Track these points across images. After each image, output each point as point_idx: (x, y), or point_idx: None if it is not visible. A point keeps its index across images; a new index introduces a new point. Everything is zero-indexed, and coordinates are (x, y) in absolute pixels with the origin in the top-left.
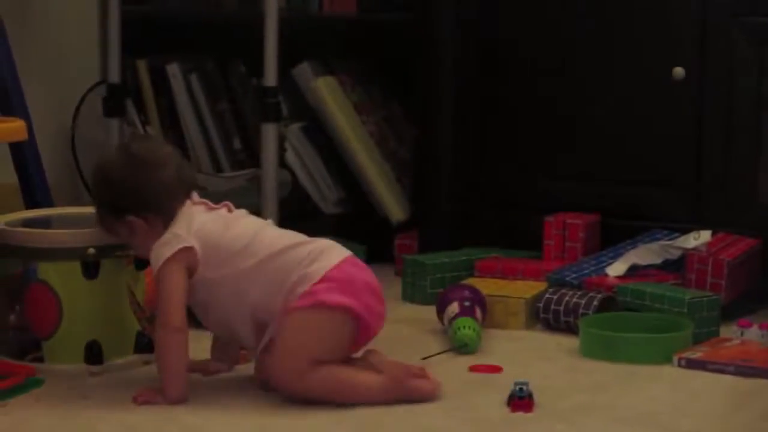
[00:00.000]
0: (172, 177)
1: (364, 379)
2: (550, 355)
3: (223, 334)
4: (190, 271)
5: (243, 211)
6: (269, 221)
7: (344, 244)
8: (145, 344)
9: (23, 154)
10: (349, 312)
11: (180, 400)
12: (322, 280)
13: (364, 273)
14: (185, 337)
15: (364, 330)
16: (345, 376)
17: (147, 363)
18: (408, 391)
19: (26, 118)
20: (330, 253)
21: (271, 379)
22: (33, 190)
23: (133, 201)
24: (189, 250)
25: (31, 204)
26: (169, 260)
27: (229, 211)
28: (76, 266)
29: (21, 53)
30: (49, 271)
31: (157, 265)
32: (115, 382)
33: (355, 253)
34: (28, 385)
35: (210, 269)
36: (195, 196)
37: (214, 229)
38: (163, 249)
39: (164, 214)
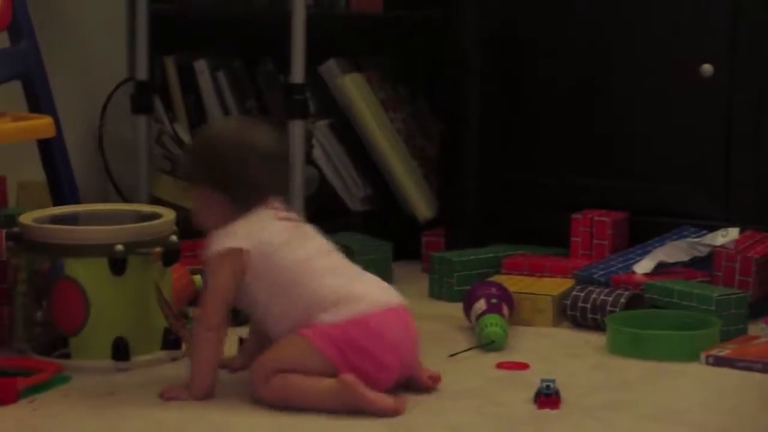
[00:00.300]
0: (276, 178)
1: (314, 383)
2: (578, 352)
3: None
4: (241, 273)
5: (310, 230)
6: (331, 247)
7: (371, 242)
8: (172, 341)
9: (51, 151)
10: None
11: (205, 397)
12: (327, 327)
13: (384, 331)
14: (219, 336)
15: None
16: (296, 380)
17: (174, 360)
18: (361, 400)
19: (54, 115)
20: (360, 303)
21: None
22: (61, 187)
23: (225, 178)
24: (240, 251)
25: (58, 201)
26: (220, 255)
27: (296, 227)
28: (103, 263)
29: (48, 50)
30: (76, 268)
31: (209, 255)
32: (142, 379)
33: (382, 250)
34: (55, 381)
35: (255, 277)
36: (275, 202)
37: (273, 238)
38: (218, 241)
39: (243, 207)
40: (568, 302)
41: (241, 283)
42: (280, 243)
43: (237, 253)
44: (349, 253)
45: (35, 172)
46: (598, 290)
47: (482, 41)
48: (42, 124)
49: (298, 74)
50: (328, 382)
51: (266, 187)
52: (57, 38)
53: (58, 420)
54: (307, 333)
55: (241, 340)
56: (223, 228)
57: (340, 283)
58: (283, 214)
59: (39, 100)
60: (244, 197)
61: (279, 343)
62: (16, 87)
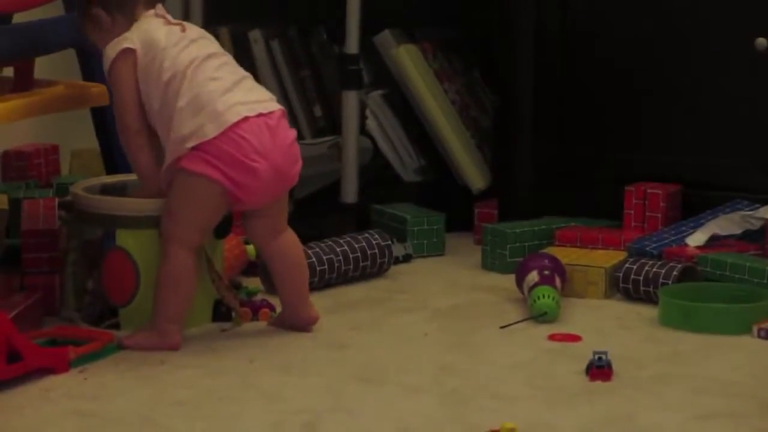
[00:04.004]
0: None
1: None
2: (629, 324)
3: None
4: (135, 72)
5: (198, 33)
6: (216, 50)
7: (424, 213)
8: (222, 313)
9: (104, 120)
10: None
11: (157, 193)
12: (198, 149)
13: (254, 139)
14: (143, 137)
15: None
16: (183, 282)
17: (224, 331)
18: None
19: (107, 83)
20: (226, 114)
21: None
22: (113, 156)
23: None
24: (131, 52)
25: (111, 169)
26: (114, 60)
27: (183, 30)
28: (154, 234)
29: None
30: (127, 239)
31: (106, 66)
32: (192, 350)
33: (434, 220)
34: (105, 351)
35: (144, 77)
36: (159, 7)
37: (162, 39)
38: (111, 48)
39: (127, 11)
40: (621, 274)
41: None
42: (168, 44)
43: (128, 53)
44: (401, 222)
45: (88, 141)
46: (650, 263)
47: (537, 13)
48: (95, 93)
49: (352, 44)
50: (173, 317)
51: None
52: None
53: (109, 389)
54: (184, 164)
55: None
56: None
57: (218, 90)
58: (171, 20)
59: (93, 69)
60: (125, 4)
61: (171, 186)
62: (70, 55)
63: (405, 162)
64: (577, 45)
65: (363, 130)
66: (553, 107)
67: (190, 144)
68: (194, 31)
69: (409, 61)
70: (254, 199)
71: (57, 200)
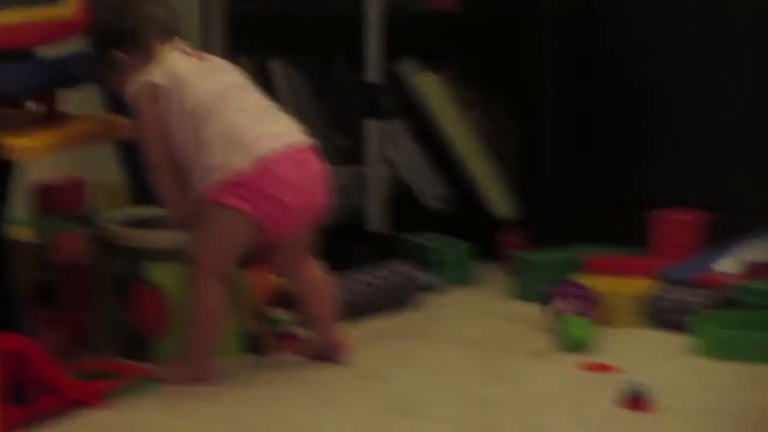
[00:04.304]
0: (156, 13)
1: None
2: (662, 353)
3: None
4: (158, 106)
5: (220, 63)
6: (240, 81)
7: (451, 242)
8: (252, 343)
9: (129, 153)
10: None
11: (183, 224)
12: (233, 181)
13: (284, 173)
14: (165, 171)
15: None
16: (212, 314)
17: (254, 362)
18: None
19: (131, 116)
20: (255, 147)
21: None
22: (139, 189)
23: (116, 35)
24: (155, 86)
25: (136, 202)
26: (138, 96)
27: (203, 60)
28: (183, 267)
29: None
30: (156, 271)
31: (130, 102)
32: (224, 382)
33: (460, 250)
34: (139, 384)
35: (168, 109)
36: (177, 40)
37: (185, 71)
38: (133, 86)
39: (145, 48)
40: (652, 302)
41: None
42: (190, 75)
43: (151, 87)
44: (428, 252)
45: (113, 174)
46: (682, 290)
47: (560, 41)
48: (120, 126)
49: (374, 73)
50: (206, 349)
51: (157, 24)
52: None
53: (140, 421)
54: (214, 197)
55: None
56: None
57: (245, 122)
58: (192, 51)
59: (117, 102)
60: (146, 39)
61: (201, 221)
62: (95, 89)
63: (429, 191)
64: (602, 72)
65: (386, 159)
66: (578, 134)
67: (218, 175)
68: (215, 61)
69: (431, 89)
70: (282, 230)
71: (87, 234)
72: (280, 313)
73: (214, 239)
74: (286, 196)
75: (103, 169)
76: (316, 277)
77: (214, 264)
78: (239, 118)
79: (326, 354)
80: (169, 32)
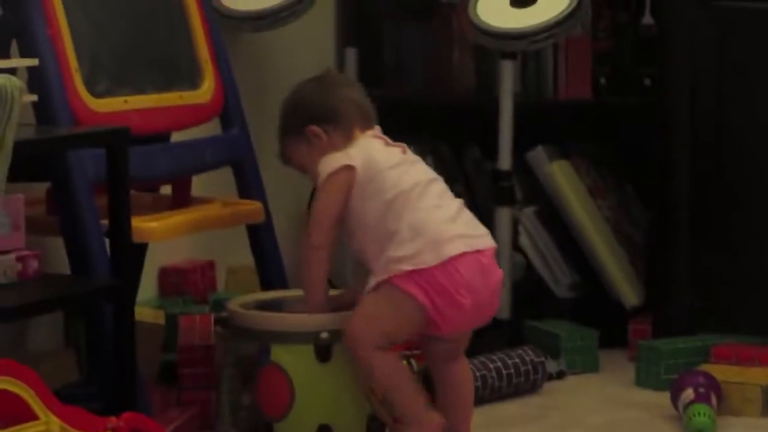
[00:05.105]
0: (357, 96)
1: (411, 392)
2: None
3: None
4: (349, 190)
5: (416, 157)
6: (436, 178)
7: (578, 329)
8: (376, 428)
9: (260, 236)
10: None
11: (320, 310)
12: (415, 273)
13: (466, 275)
14: (325, 254)
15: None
16: (400, 374)
17: None
18: None
19: (263, 200)
20: (446, 246)
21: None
22: (269, 272)
23: (316, 110)
24: (351, 169)
25: (266, 286)
26: (332, 174)
27: (403, 152)
28: (309, 349)
29: (259, 136)
30: (282, 354)
31: (320, 178)
32: None
33: (587, 337)
34: None
35: (358, 196)
36: (377, 129)
37: (382, 160)
38: (330, 162)
39: (344, 128)
40: None
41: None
42: (389, 165)
43: (347, 171)
44: (555, 339)
45: (244, 257)
46: None
47: (691, 126)
48: (252, 210)
49: (505, 161)
50: (418, 406)
51: (358, 108)
52: (266, 124)
53: None
54: (395, 281)
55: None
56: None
57: (439, 219)
58: (390, 142)
59: (249, 186)
60: (347, 118)
61: (371, 294)
62: (227, 173)
63: (558, 278)
64: (735, 160)
65: (516, 246)
66: (709, 222)
67: (406, 267)
68: (411, 154)
69: (561, 176)
70: (451, 329)
71: (213, 316)
72: None
73: (384, 317)
74: (464, 299)
75: (235, 253)
76: (464, 380)
77: (376, 339)
78: (435, 214)
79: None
80: (368, 119)
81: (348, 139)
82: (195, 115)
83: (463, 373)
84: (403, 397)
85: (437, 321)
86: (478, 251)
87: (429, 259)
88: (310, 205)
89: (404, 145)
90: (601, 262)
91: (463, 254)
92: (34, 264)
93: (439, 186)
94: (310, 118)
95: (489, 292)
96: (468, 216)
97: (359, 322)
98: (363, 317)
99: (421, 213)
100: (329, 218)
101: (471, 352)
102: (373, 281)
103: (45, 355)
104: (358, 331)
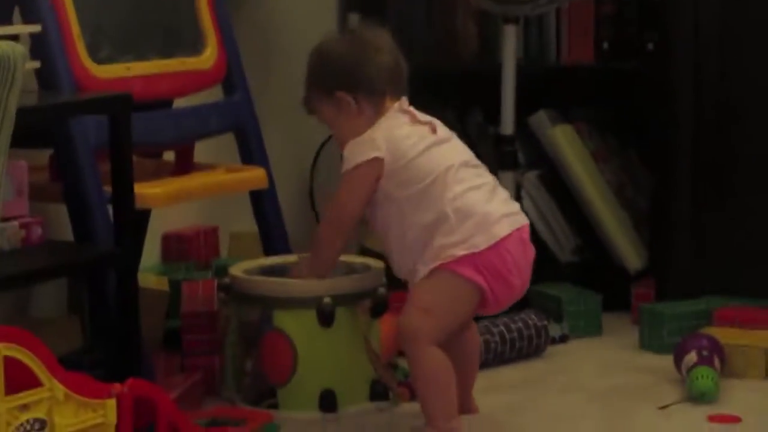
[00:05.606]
0: (390, 63)
1: (453, 403)
2: None
3: (383, 249)
4: (377, 182)
5: (447, 134)
6: (468, 156)
7: (581, 293)
8: (380, 392)
9: (263, 203)
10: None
11: (322, 277)
12: (469, 257)
13: (514, 255)
14: (343, 243)
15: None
16: (445, 377)
17: (382, 410)
18: None
19: (266, 166)
20: (495, 227)
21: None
22: (272, 238)
23: (348, 77)
24: (378, 161)
25: (269, 251)
26: (359, 166)
27: (433, 131)
28: (311, 315)
29: (261, 102)
30: (285, 319)
31: (348, 165)
32: (350, 430)
33: (590, 300)
34: (264, 431)
35: (390, 184)
36: (405, 101)
37: (411, 146)
38: (357, 150)
39: (375, 98)
40: None
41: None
42: (419, 151)
43: (373, 163)
44: (558, 302)
45: (247, 223)
46: None
47: (694, 90)
48: (255, 176)
49: (507, 125)
50: (448, 412)
51: (391, 74)
52: (270, 90)
53: None
54: (452, 266)
55: None
56: (359, 136)
57: (480, 200)
58: (418, 117)
59: (252, 152)
60: (378, 88)
61: (426, 281)
62: (229, 139)
63: (561, 242)
64: (738, 123)
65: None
66: (712, 185)
67: (459, 252)
68: (443, 130)
69: (564, 141)
70: (496, 308)
71: (216, 282)
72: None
73: (445, 308)
74: (512, 277)
75: (237, 219)
76: (471, 344)
77: (437, 332)
78: (474, 196)
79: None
80: (399, 85)
81: (377, 109)
82: (197, 81)
83: (472, 337)
84: (439, 400)
85: (489, 302)
86: (518, 229)
87: (480, 242)
88: (315, 163)
89: (434, 121)
90: (604, 226)
91: (510, 234)
92: (37, 231)
93: (474, 166)
94: (340, 82)
95: (527, 267)
96: (504, 193)
97: (417, 316)
98: (421, 311)
99: (463, 196)
100: (350, 219)
101: (475, 317)
102: (423, 269)
103: (49, 322)
104: (416, 326)
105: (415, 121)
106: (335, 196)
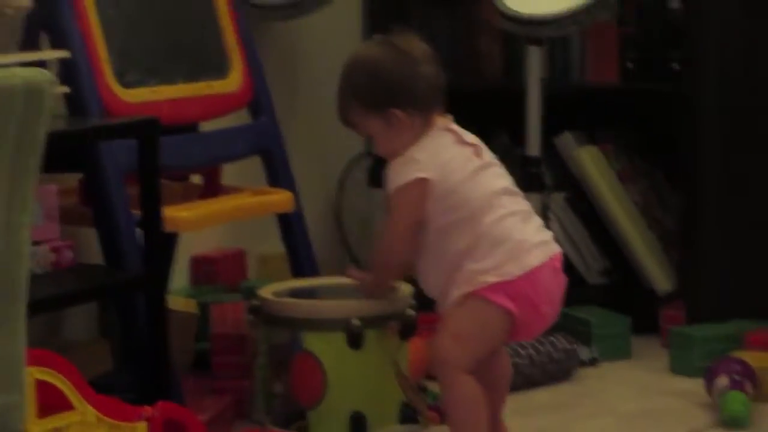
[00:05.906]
0: (434, 73)
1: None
2: None
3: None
4: (424, 203)
5: (490, 158)
6: (508, 183)
7: (609, 316)
8: (409, 415)
9: (290, 225)
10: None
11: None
12: (502, 284)
13: (546, 284)
14: (399, 272)
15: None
16: (476, 405)
17: None
18: None
19: (293, 189)
20: (528, 256)
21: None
22: (299, 260)
23: (400, 94)
24: (425, 182)
25: (297, 273)
26: (406, 187)
27: (477, 154)
28: (341, 337)
29: (288, 125)
30: (314, 341)
31: (392, 186)
32: None
33: (619, 323)
34: None
35: (437, 208)
36: (449, 119)
37: (457, 170)
38: (402, 171)
39: (425, 112)
40: None
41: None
42: (464, 177)
43: (419, 184)
44: (586, 325)
45: (275, 245)
46: None
47: (720, 110)
48: (281, 199)
49: (533, 147)
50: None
51: (437, 86)
52: (296, 113)
53: None
54: (484, 293)
55: None
56: (403, 155)
57: (515, 228)
58: (463, 138)
59: (278, 175)
60: (428, 101)
61: (458, 308)
62: (256, 162)
63: (588, 264)
64: (765, 142)
65: None
66: (739, 207)
67: (491, 279)
68: (487, 154)
69: (590, 162)
70: (527, 335)
71: (245, 304)
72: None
73: (476, 336)
74: (544, 305)
75: (265, 241)
76: (502, 368)
77: (468, 360)
78: (510, 223)
79: None
80: (441, 97)
81: (426, 123)
82: (224, 104)
83: (503, 361)
84: (469, 427)
85: (519, 330)
86: (550, 258)
87: (513, 270)
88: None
89: (478, 142)
90: (632, 247)
91: (542, 263)
92: (68, 254)
93: (513, 192)
94: (394, 100)
95: (560, 297)
96: (537, 221)
97: (450, 344)
98: (453, 338)
99: (499, 223)
100: (408, 230)
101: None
102: (455, 292)
103: (79, 345)
104: (448, 352)
105: (461, 141)
106: (387, 218)
